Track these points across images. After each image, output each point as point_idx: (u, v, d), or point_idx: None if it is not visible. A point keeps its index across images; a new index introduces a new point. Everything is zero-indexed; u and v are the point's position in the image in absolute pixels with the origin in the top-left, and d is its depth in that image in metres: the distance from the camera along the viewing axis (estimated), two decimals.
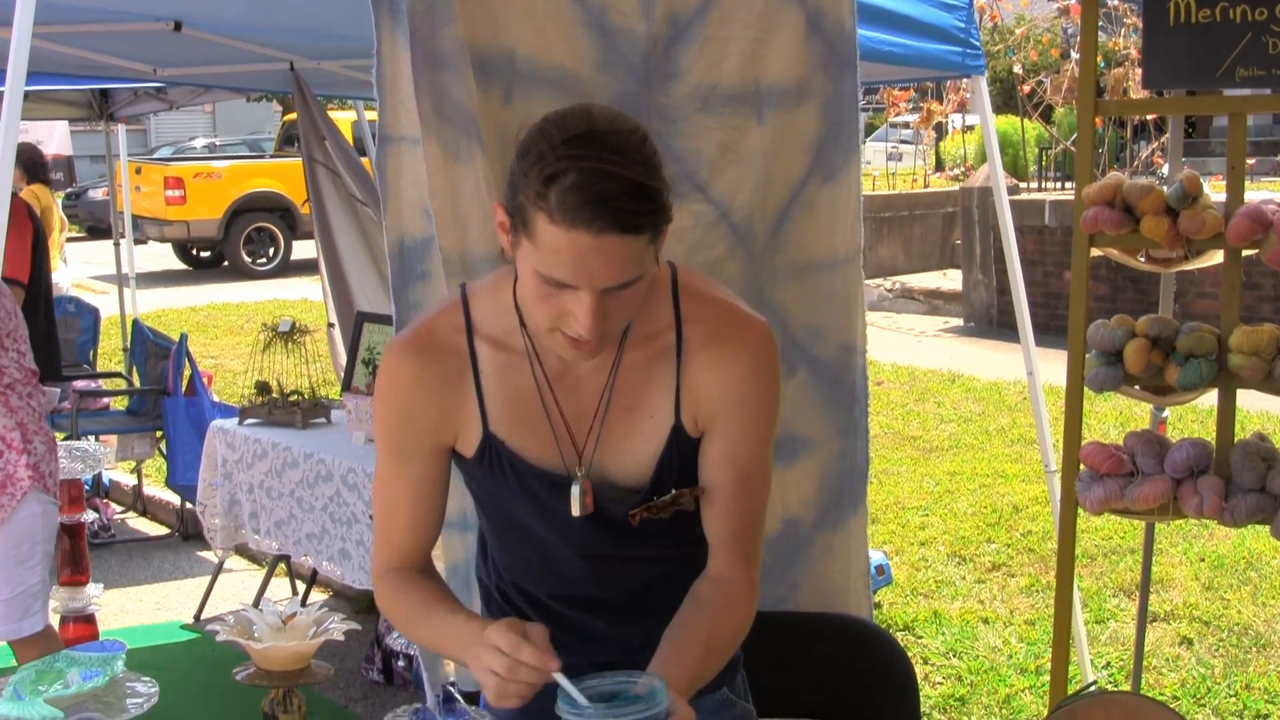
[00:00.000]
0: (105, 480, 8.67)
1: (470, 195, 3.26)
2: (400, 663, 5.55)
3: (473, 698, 2.52)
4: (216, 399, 8.12)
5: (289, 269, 20.89)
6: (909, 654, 3.18)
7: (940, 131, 24.21)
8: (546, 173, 1.98)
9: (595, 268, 1.99)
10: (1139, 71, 13.87)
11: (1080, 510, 3.92)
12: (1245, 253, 3.77)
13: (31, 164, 9.66)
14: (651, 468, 2.31)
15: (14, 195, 6.75)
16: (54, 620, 4.87)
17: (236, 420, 5.99)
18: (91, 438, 7.36)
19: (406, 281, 3.40)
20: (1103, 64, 14.08)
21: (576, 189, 1.95)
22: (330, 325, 7.80)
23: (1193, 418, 9.64)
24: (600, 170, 1.96)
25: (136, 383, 8.74)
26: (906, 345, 13.90)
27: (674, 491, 2.29)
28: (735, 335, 2.30)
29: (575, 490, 2.28)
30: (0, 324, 4.33)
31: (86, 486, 5.40)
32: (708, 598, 2.31)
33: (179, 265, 22.11)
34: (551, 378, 2.28)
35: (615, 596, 2.43)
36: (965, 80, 5.46)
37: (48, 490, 4.42)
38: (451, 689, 3.72)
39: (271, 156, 23.37)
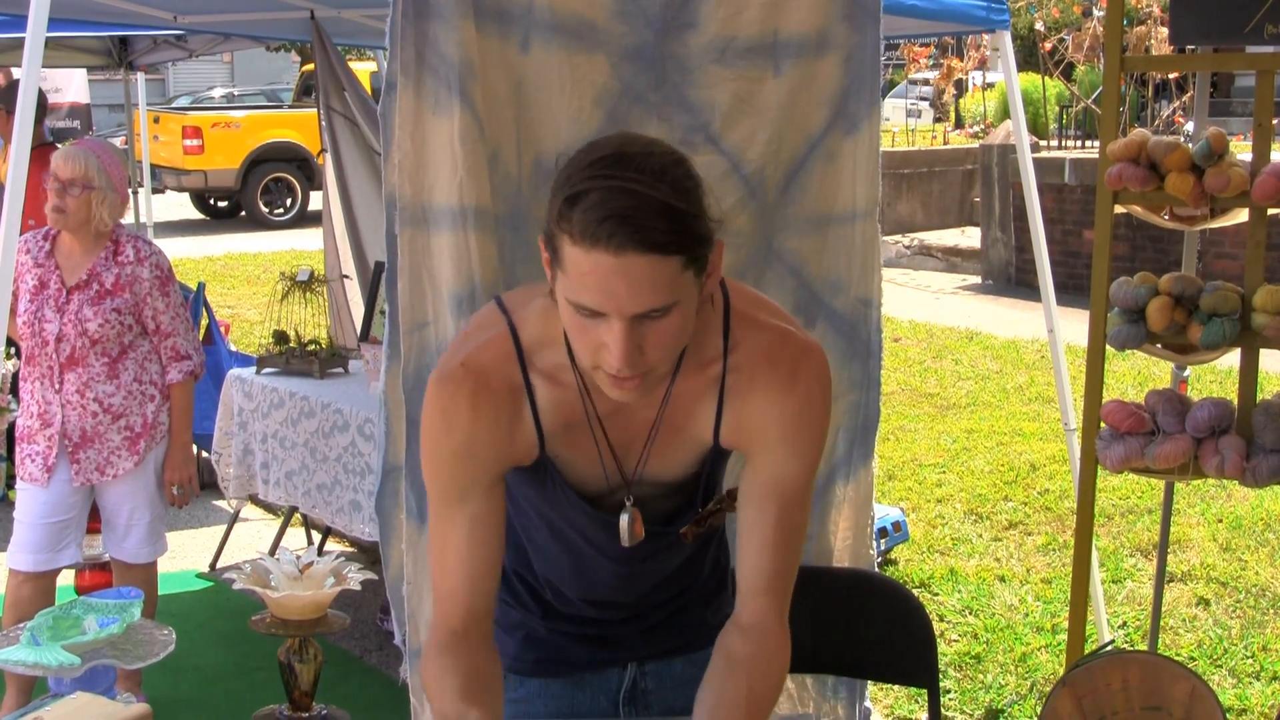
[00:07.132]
0: None
1: (441, 147, 3.23)
2: None
3: None
4: (234, 348, 8.10)
5: (306, 219, 20.82)
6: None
7: (960, 88, 24.10)
8: (569, 193, 1.92)
9: (619, 290, 1.90)
10: (1162, 30, 13.77)
11: (1099, 469, 3.91)
12: (1270, 212, 3.74)
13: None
14: (689, 476, 2.32)
15: (50, 142, 6.75)
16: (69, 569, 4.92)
17: (254, 369, 5.99)
18: None
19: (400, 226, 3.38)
20: (1125, 21, 13.97)
21: (595, 206, 1.88)
22: (345, 277, 7.74)
23: (1212, 378, 9.60)
24: (621, 188, 1.89)
25: None
26: (924, 302, 13.86)
27: (712, 504, 2.32)
28: (787, 364, 2.22)
29: (624, 519, 2.26)
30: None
31: None
32: (744, 655, 2.22)
33: (196, 215, 22.11)
34: (603, 411, 2.21)
35: (639, 601, 2.44)
36: (987, 36, 5.39)
37: None
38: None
39: (289, 107, 23.31)
